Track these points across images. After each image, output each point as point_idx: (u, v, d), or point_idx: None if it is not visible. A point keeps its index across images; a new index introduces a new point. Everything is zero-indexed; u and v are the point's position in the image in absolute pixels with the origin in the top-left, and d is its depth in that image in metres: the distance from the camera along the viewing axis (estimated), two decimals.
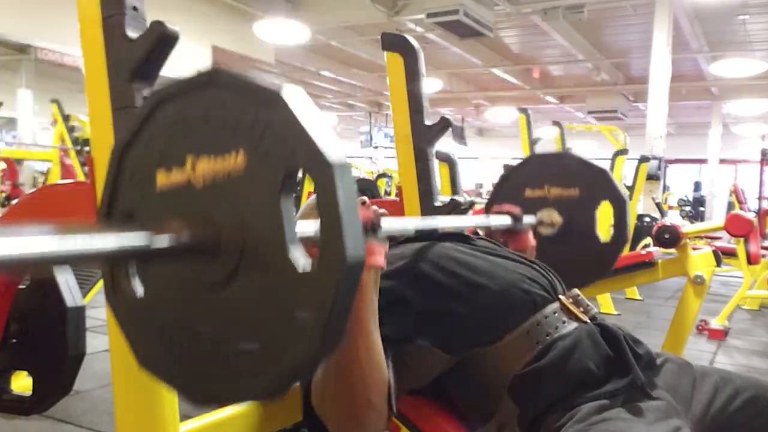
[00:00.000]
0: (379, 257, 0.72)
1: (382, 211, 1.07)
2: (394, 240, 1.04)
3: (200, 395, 0.55)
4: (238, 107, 0.51)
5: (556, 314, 0.84)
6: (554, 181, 1.41)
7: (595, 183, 1.38)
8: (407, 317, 0.84)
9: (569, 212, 1.40)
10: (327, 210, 0.46)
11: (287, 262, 0.48)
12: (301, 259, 0.48)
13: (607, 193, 1.38)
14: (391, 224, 0.78)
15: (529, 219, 1.23)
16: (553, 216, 1.39)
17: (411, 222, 0.89)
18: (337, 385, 0.71)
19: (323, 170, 0.47)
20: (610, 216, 1.39)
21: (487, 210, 1.51)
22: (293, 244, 0.48)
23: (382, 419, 0.74)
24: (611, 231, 1.39)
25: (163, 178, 0.55)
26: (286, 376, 0.49)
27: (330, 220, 0.46)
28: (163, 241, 0.49)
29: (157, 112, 0.57)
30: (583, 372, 0.78)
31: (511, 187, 1.48)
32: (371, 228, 0.71)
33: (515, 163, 1.60)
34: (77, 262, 0.45)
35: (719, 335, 3.36)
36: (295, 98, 0.49)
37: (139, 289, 0.58)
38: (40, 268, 0.42)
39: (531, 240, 1.20)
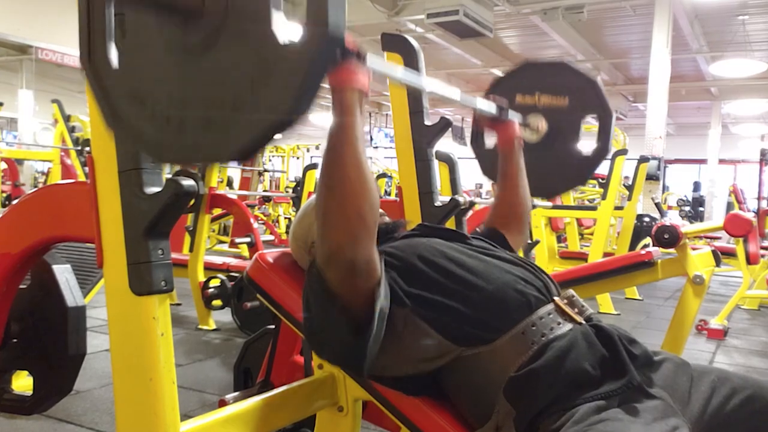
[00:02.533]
0: (363, 79, 0.74)
1: (381, 210, 1.08)
2: (392, 235, 1.04)
3: (169, 154, 0.56)
4: None
5: (551, 315, 0.84)
6: (545, 89, 1.40)
7: (584, 94, 1.39)
8: (401, 291, 0.85)
9: (556, 120, 1.39)
10: None
11: (269, 31, 0.48)
12: (283, 29, 0.48)
13: (595, 105, 1.39)
14: (378, 64, 0.79)
15: (515, 116, 1.23)
16: (540, 122, 1.38)
17: (396, 69, 0.90)
18: (332, 202, 0.73)
19: None
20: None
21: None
22: (277, 11, 0.48)
23: (373, 242, 0.76)
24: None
25: None
26: (254, 138, 0.50)
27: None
28: None
29: None
30: (578, 373, 0.78)
31: (503, 91, 1.43)
32: (356, 54, 0.72)
33: (509, 70, 1.58)
34: None
35: (718, 335, 3.37)
36: None
37: (114, 59, 0.58)
38: None
39: (516, 130, 1.19)
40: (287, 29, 0.48)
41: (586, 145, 1.41)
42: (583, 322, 0.85)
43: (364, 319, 0.77)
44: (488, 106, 1.16)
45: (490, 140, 1.24)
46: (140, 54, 0.57)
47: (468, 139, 1.54)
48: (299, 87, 0.47)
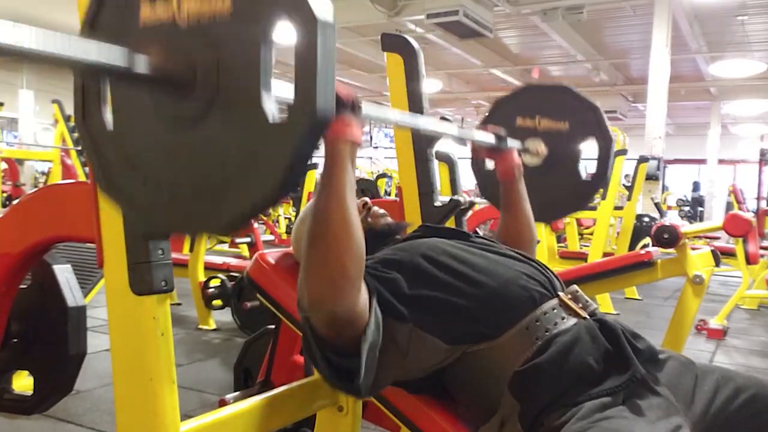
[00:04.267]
0: (356, 131, 0.73)
1: (382, 211, 1.08)
2: (395, 237, 1.04)
3: (159, 225, 0.57)
4: None
5: (555, 310, 0.84)
6: (546, 112, 1.40)
7: (584, 118, 1.39)
8: (403, 307, 0.84)
9: (556, 144, 1.39)
10: (304, 64, 0.47)
11: (259, 110, 0.49)
12: (271, 107, 0.49)
13: (595, 130, 1.39)
14: (372, 109, 0.79)
15: (514, 143, 1.23)
16: (539, 146, 1.39)
17: (392, 113, 0.89)
18: (315, 252, 0.73)
19: (307, 24, 0.47)
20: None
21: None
22: (267, 93, 0.49)
23: (356, 292, 0.75)
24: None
25: (148, 11, 0.55)
26: (240, 214, 0.51)
27: (305, 75, 0.47)
28: (141, 62, 0.49)
29: None
30: (582, 367, 0.78)
31: (504, 113, 1.46)
32: (351, 105, 0.72)
33: (510, 92, 1.59)
34: (54, 62, 0.44)
35: (718, 335, 3.37)
36: None
37: (109, 120, 0.59)
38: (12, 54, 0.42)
39: (516, 158, 1.19)
40: (276, 109, 0.49)
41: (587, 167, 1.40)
42: (587, 317, 0.85)
43: (354, 356, 0.77)
44: (486, 137, 1.16)
45: (491, 164, 1.24)
46: (134, 119, 0.57)
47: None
48: (286, 167, 0.49)
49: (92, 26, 0.59)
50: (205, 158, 0.53)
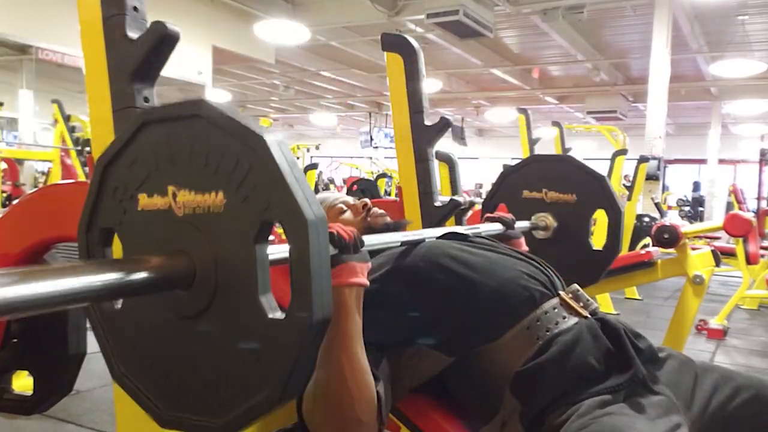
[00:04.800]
0: (361, 277, 0.70)
1: (382, 211, 1.07)
2: None
3: (163, 417, 0.56)
4: (221, 146, 0.51)
5: (556, 310, 0.84)
6: (552, 184, 1.42)
7: (592, 190, 1.39)
8: (402, 321, 0.84)
9: (564, 217, 1.40)
10: (299, 267, 0.48)
11: (257, 307, 0.50)
12: (270, 308, 0.50)
13: (603, 202, 1.39)
14: (375, 240, 0.78)
15: (522, 224, 1.23)
16: (548, 219, 1.40)
17: (395, 236, 0.88)
18: (325, 406, 0.71)
19: (298, 226, 0.48)
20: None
21: (485, 207, 1.51)
22: (264, 294, 0.50)
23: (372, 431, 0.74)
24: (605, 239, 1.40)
25: (145, 200, 0.56)
26: (244, 417, 0.51)
27: (300, 279, 0.48)
28: (142, 276, 0.49)
29: (141, 134, 0.57)
30: (584, 367, 0.78)
31: (510, 186, 1.48)
32: (353, 246, 0.69)
33: (515, 163, 1.60)
34: (60, 304, 0.44)
35: (718, 335, 3.37)
36: (277, 145, 0.49)
37: (117, 304, 0.60)
38: (15, 313, 0.42)
39: (523, 246, 1.20)
40: (275, 311, 0.50)
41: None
42: (589, 316, 0.85)
43: None
44: (494, 227, 1.17)
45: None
46: (139, 304, 0.58)
47: (466, 140, 1.54)
48: (287, 368, 0.49)
49: (88, 231, 0.60)
50: (207, 353, 0.53)
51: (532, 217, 1.41)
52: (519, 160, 1.66)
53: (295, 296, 0.48)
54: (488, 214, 1.24)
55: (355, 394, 0.70)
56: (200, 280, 0.52)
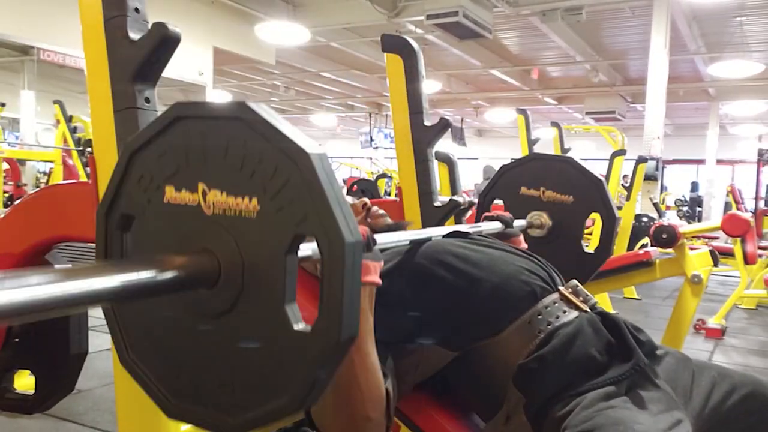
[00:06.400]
0: (375, 276, 0.71)
1: (382, 212, 1.08)
2: None
3: (171, 409, 0.55)
4: (260, 152, 0.49)
5: (557, 304, 0.85)
6: (550, 184, 1.42)
7: (589, 193, 1.40)
8: (406, 320, 0.85)
9: (559, 217, 1.41)
10: (331, 287, 0.47)
11: (283, 317, 0.49)
12: (295, 319, 0.49)
13: (599, 206, 1.40)
14: (385, 238, 0.79)
15: (518, 222, 1.24)
16: (543, 218, 1.40)
17: (404, 235, 0.90)
18: (335, 402, 0.72)
19: (335, 245, 0.46)
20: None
21: (481, 199, 1.52)
22: (290, 305, 0.49)
23: (381, 430, 0.75)
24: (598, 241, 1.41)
25: (173, 193, 0.54)
26: (258, 420, 0.50)
27: (332, 295, 0.47)
28: (165, 277, 0.48)
29: (176, 126, 0.55)
30: (585, 358, 0.79)
31: (508, 182, 1.48)
32: (366, 245, 0.69)
33: (515, 160, 1.60)
34: (80, 305, 0.43)
35: (716, 334, 3.38)
36: (320, 160, 0.48)
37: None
38: (42, 314, 0.41)
39: (522, 244, 1.20)
40: (300, 322, 0.49)
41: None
42: (588, 310, 0.86)
43: None
44: (492, 225, 1.18)
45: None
46: (158, 301, 0.56)
47: (465, 140, 1.54)
48: (308, 380, 0.48)
49: (107, 214, 0.58)
50: (227, 354, 0.52)
51: (528, 215, 1.41)
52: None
53: (325, 312, 0.47)
54: (487, 213, 1.25)
55: (365, 391, 0.71)
56: (225, 281, 0.51)
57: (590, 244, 4.14)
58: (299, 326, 0.48)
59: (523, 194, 1.43)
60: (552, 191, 1.41)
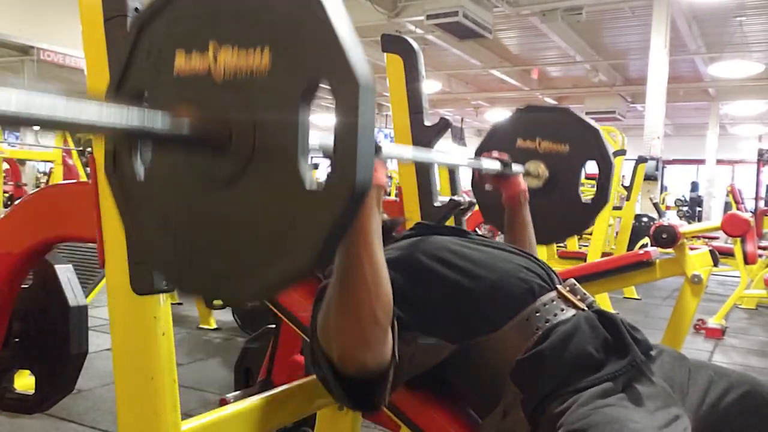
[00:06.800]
0: (381, 175, 0.72)
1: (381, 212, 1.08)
2: (389, 234, 1.05)
3: (187, 286, 0.54)
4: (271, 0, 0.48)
5: (554, 302, 0.85)
6: (546, 134, 1.40)
7: (585, 141, 1.38)
8: (404, 312, 0.84)
9: (556, 167, 1.39)
10: (345, 131, 0.45)
11: (296, 174, 0.47)
12: (309, 175, 0.47)
13: (595, 153, 1.38)
14: (390, 149, 0.80)
15: (518, 167, 1.22)
16: (540, 168, 1.38)
17: (408, 150, 0.93)
18: (342, 302, 0.70)
19: (349, 88, 0.44)
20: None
21: (477, 154, 1.51)
22: (304, 157, 0.47)
23: (386, 339, 0.73)
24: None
25: (182, 62, 0.52)
26: (272, 285, 0.49)
27: (345, 142, 0.45)
28: (177, 125, 0.47)
29: None
30: (582, 355, 0.79)
31: (504, 134, 1.45)
32: (377, 147, 0.69)
33: (509, 114, 1.58)
34: (86, 130, 0.43)
35: (716, 334, 3.38)
36: (332, 2, 0.46)
37: (140, 171, 0.57)
38: (47, 128, 0.42)
39: (522, 183, 1.19)
40: (312, 177, 0.47)
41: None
42: (586, 308, 0.87)
43: (376, 382, 0.75)
44: (492, 164, 1.16)
45: (490, 185, 1.23)
46: (165, 172, 0.55)
47: (465, 140, 1.54)
48: (322, 238, 0.46)
49: (117, 90, 0.57)
50: (239, 220, 0.51)
51: (526, 164, 1.38)
52: None
53: (339, 160, 0.45)
54: (485, 153, 1.20)
55: (372, 288, 0.70)
56: (236, 143, 0.49)
57: (590, 243, 4.15)
58: (312, 182, 0.47)
59: (520, 147, 1.40)
60: (548, 141, 1.39)
